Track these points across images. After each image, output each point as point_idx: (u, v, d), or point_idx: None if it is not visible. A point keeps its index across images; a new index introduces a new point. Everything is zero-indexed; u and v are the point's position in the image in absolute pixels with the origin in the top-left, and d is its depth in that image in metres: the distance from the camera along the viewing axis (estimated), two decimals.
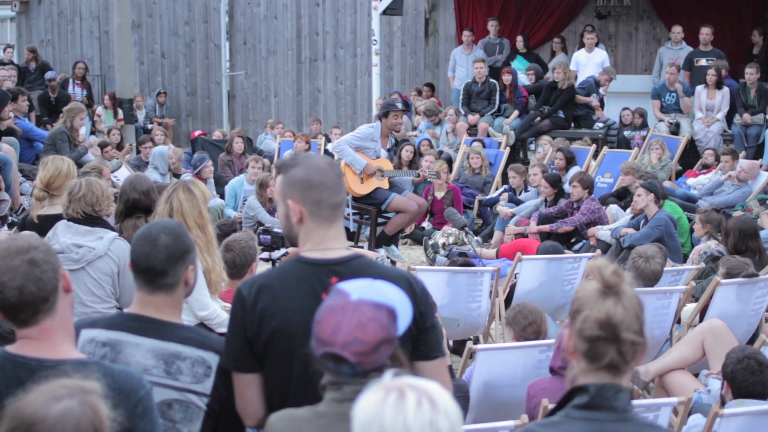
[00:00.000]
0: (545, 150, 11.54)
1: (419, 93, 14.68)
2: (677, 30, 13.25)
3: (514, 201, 10.09)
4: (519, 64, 13.72)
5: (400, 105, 8.04)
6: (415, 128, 13.52)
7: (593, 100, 12.44)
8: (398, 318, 2.15)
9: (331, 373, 2.14)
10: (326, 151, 12.58)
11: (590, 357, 2.08)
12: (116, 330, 2.70)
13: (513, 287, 6.67)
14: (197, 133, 15.02)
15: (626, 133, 12.19)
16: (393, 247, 8.40)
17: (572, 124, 12.60)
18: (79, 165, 7.29)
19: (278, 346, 2.53)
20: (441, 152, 11.82)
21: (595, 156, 11.46)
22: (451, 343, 5.83)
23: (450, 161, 11.36)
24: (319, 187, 2.53)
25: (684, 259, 7.93)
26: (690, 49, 13.03)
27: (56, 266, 2.33)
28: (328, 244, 2.56)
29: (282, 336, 2.52)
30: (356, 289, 2.16)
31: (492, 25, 14.33)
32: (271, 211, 9.40)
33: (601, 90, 12.58)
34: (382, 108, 8.12)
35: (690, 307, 6.12)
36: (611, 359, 2.06)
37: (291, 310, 2.51)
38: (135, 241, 2.72)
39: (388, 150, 8.22)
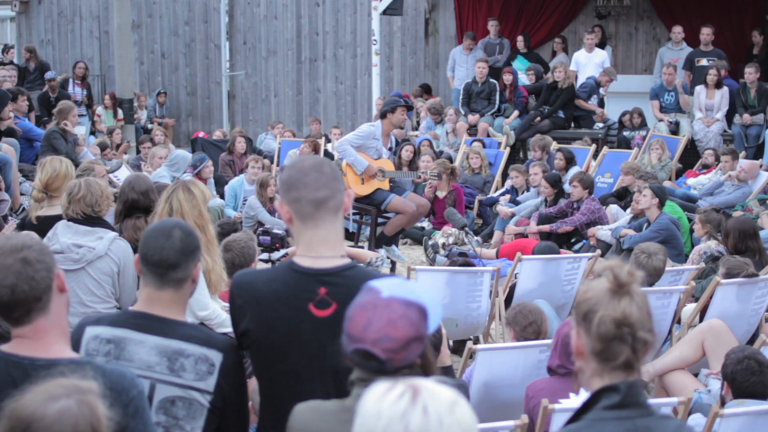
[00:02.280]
0: None
1: (422, 93, 14.68)
2: (677, 30, 13.24)
3: (514, 201, 10.09)
4: (520, 64, 13.72)
5: (404, 101, 8.13)
6: (416, 128, 13.53)
7: (595, 107, 12.45)
8: (429, 316, 2.14)
9: (361, 369, 2.13)
10: (326, 152, 12.57)
11: (604, 357, 2.08)
12: (120, 327, 2.71)
13: (513, 287, 6.67)
14: (201, 135, 14.97)
15: (626, 133, 12.19)
16: (393, 247, 8.39)
17: (572, 124, 12.61)
18: (76, 164, 7.28)
19: (260, 351, 2.59)
20: (441, 152, 11.82)
21: (595, 156, 11.46)
22: (451, 343, 5.83)
23: (450, 162, 11.35)
24: (297, 184, 2.53)
25: (684, 259, 7.93)
26: (690, 49, 13.03)
27: (50, 265, 2.33)
28: (318, 248, 2.55)
29: (262, 342, 2.57)
30: (387, 286, 2.15)
31: (492, 25, 14.33)
32: (272, 211, 9.39)
33: (601, 90, 12.59)
34: (388, 104, 8.10)
35: (690, 307, 6.12)
36: (626, 358, 2.06)
37: (273, 318, 2.54)
38: (148, 235, 2.72)
39: (389, 149, 8.22)
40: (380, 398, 1.75)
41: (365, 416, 1.74)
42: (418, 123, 13.61)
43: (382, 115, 8.09)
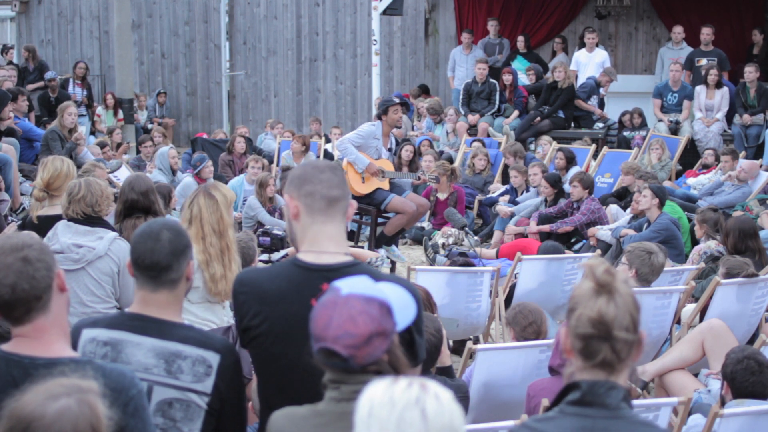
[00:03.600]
0: (545, 150, 11.54)
1: (421, 93, 14.67)
2: (678, 30, 13.25)
3: (514, 201, 10.09)
4: (519, 64, 13.72)
5: (397, 99, 8.17)
6: (414, 127, 13.53)
7: (595, 108, 12.46)
8: (393, 313, 2.15)
9: (329, 370, 2.15)
10: (325, 152, 12.57)
11: (585, 355, 2.10)
12: (117, 329, 2.70)
13: (513, 287, 6.66)
14: (205, 137, 14.94)
15: (626, 133, 12.19)
16: (393, 247, 8.39)
17: (572, 124, 12.61)
18: (78, 165, 7.30)
19: (260, 345, 2.59)
20: (441, 152, 11.81)
21: (595, 156, 11.46)
22: (451, 343, 5.83)
23: (450, 161, 11.35)
24: (312, 179, 2.56)
25: (684, 259, 7.92)
26: (690, 49, 13.03)
27: (50, 265, 2.34)
28: (324, 244, 2.56)
29: (265, 338, 2.57)
30: (347, 284, 2.17)
31: (492, 25, 14.34)
32: (271, 212, 9.39)
33: (601, 90, 12.59)
34: (380, 105, 8.17)
35: (690, 307, 6.11)
36: (605, 357, 2.08)
37: (276, 314, 2.55)
38: (137, 239, 2.71)
39: (389, 149, 8.23)
40: (388, 388, 1.77)
41: (376, 407, 1.75)
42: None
43: (379, 116, 8.12)
